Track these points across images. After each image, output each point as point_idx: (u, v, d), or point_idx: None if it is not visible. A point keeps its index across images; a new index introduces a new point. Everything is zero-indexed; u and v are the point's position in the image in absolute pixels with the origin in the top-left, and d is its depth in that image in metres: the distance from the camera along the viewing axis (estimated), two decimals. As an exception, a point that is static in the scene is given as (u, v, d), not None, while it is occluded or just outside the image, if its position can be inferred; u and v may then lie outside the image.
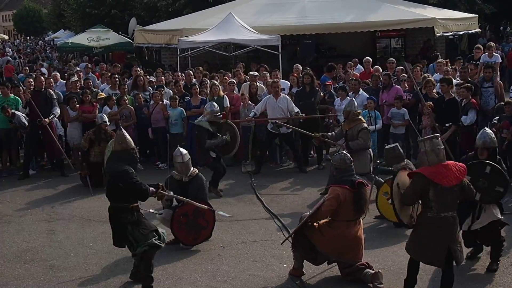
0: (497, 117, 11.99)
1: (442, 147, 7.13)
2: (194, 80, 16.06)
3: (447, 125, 11.85)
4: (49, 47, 50.20)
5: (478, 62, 15.52)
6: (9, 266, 8.94)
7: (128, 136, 7.97)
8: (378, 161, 11.39)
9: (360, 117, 11.27)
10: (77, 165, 14.00)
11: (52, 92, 14.09)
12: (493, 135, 8.42)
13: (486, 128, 8.47)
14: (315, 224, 8.05)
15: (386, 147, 10.46)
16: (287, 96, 13.66)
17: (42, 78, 14.54)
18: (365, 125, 11.17)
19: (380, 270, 7.94)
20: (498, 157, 8.41)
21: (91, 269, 8.73)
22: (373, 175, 11.14)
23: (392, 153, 10.07)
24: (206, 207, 9.30)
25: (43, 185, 13.14)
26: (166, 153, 14.55)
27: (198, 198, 9.39)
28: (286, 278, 8.20)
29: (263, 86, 15.25)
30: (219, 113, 12.26)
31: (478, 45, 16.87)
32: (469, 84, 12.68)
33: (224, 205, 10.00)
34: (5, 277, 8.56)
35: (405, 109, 13.40)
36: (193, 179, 9.57)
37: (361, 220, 8.18)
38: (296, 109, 13.35)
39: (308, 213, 8.15)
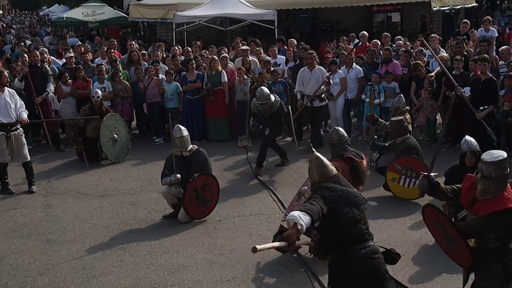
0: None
1: None
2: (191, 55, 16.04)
3: (481, 108, 11.29)
4: (42, 23, 49.53)
5: (463, 37, 15.34)
6: (6, 240, 8.96)
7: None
8: (376, 136, 11.40)
9: (407, 115, 11.23)
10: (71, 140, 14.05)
11: (48, 67, 14.02)
12: (475, 140, 8.29)
13: (467, 136, 8.40)
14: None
15: (391, 119, 10.50)
16: (322, 68, 13.48)
17: (37, 52, 14.43)
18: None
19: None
20: None
21: (88, 243, 8.76)
22: (368, 148, 11.21)
23: (398, 126, 10.14)
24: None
25: (39, 160, 13.13)
26: (162, 128, 14.62)
27: (204, 171, 9.44)
28: (283, 251, 8.25)
29: (256, 60, 15.19)
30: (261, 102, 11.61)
31: (465, 20, 16.70)
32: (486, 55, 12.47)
33: (220, 180, 10.00)
34: (2, 251, 8.59)
35: (396, 83, 13.41)
36: (195, 154, 9.57)
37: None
38: (332, 81, 13.38)
39: (305, 187, 8.14)
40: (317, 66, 13.44)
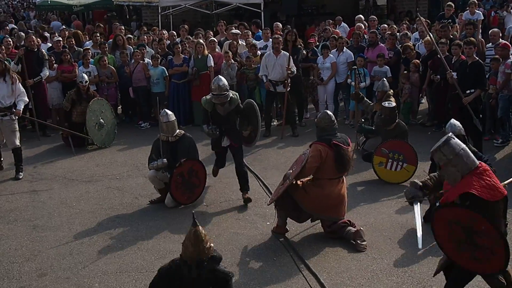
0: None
1: None
2: (177, 39, 15.96)
3: (468, 91, 11.07)
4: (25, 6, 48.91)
5: (448, 20, 15.33)
6: (-8, 227, 8.94)
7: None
8: (363, 119, 11.42)
9: (392, 98, 11.12)
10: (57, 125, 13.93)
11: (44, 52, 13.88)
12: (460, 124, 8.30)
13: (452, 119, 8.41)
14: (299, 182, 8.09)
15: (382, 104, 10.50)
16: (287, 53, 13.02)
17: (34, 37, 14.25)
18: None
19: (361, 228, 8.03)
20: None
21: (75, 229, 8.74)
22: (356, 132, 11.25)
23: (392, 113, 10.18)
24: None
25: (25, 145, 13.01)
26: (148, 112, 14.57)
27: (190, 157, 9.42)
28: (270, 235, 8.27)
29: (244, 44, 15.14)
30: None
31: (450, 3, 16.70)
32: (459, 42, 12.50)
33: (207, 165, 10.00)
34: (-12, 237, 8.57)
35: (387, 67, 13.42)
36: (181, 139, 9.54)
37: (344, 178, 8.23)
38: (294, 68, 13.01)
39: (291, 171, 8.17)
40: (282, 51, 13.12)
